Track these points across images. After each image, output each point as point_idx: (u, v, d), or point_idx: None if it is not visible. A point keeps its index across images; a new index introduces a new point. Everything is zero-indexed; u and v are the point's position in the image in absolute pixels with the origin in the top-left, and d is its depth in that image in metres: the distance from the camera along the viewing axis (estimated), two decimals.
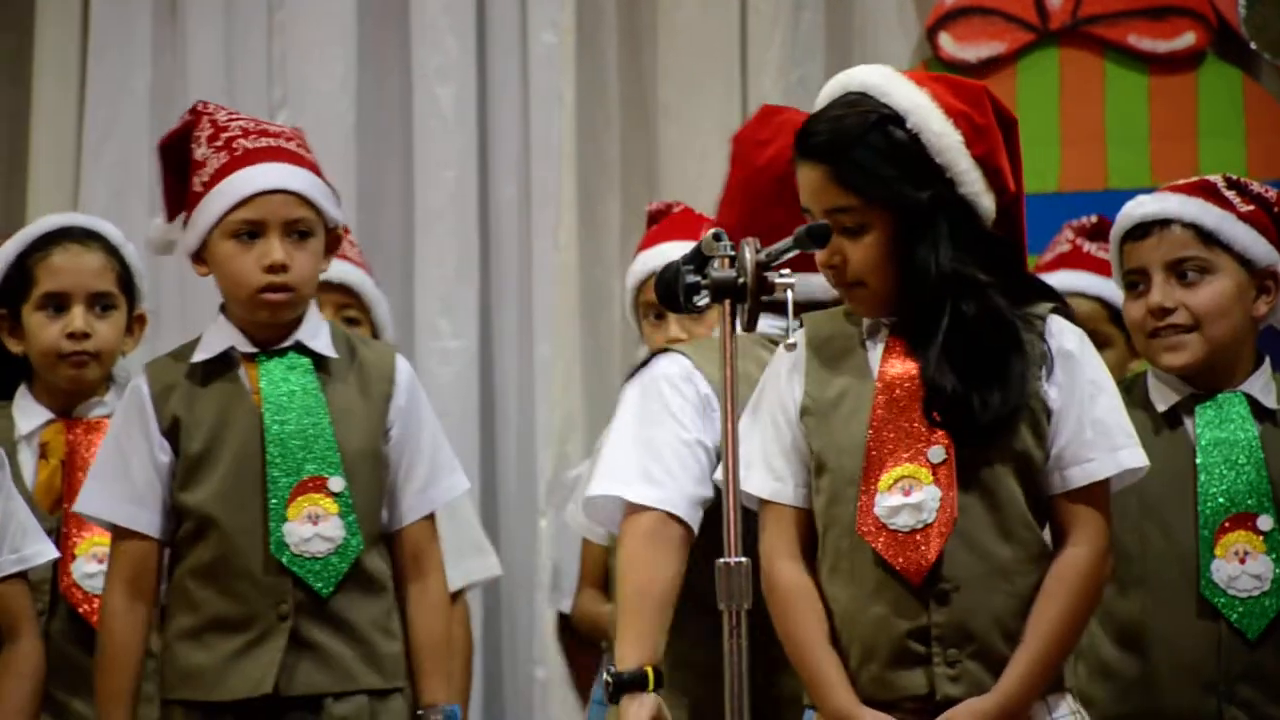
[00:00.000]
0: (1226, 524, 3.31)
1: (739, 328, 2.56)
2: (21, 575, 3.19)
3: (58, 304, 3.57)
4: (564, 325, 5.06)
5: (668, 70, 5.25)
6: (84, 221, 3.84)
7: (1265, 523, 3.26)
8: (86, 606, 3.58)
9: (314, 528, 3.40)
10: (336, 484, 3.38)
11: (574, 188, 5.14)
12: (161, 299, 5.05)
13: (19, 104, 5.46)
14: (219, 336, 3.37)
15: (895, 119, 2.77)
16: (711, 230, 2.64)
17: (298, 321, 3.43)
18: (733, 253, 2.54)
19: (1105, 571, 2.97)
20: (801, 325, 2.92)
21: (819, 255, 2.83)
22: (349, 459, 3.39)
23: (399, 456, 3.49)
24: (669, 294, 2.58)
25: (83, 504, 3.45)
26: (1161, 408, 3.26)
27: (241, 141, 3.40)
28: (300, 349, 3.37)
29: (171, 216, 3.36)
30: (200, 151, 3.34)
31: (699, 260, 2.56)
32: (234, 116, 3.35)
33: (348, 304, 4.28)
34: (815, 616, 2.87)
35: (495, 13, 5.21)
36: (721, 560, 2.47)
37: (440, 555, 3.62)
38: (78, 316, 3.54)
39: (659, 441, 2.95)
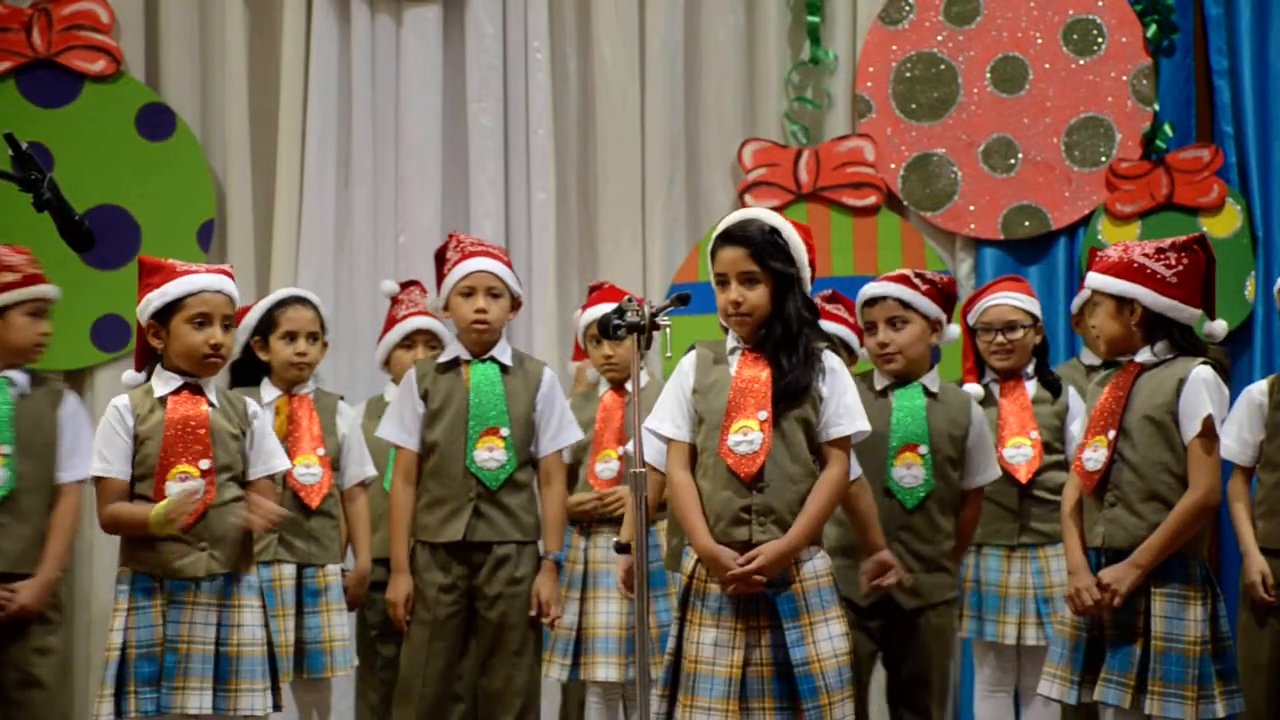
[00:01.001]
0: (903, 449, 4.72)
1: (642, 346, 3.84)
2: (270, 476, 4.45)
3: (291, 336, 5.16)
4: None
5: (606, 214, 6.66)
6: (300, 292, 5.41)
7: (922, 449, 4.71)
8: (305, 493, 5.08)
9: (490, 454, 4.99)
10: (504, 431, 4.98)
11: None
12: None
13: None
14: (453, 349, 5.06)
15: (776, 232, 4.05)
16: (627, 297, 3.98)
17: (494, 343, 5.03)
18: (638, 309, 3.84)
19: (847, 480, 4.24)
20: (694, 348, 4.20)
21: (728, 296, 4.08)
22: (513, 418, 4.98)
23: (540, 419, 5.06)
24: (604, 329, 3.90)
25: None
26: (879, 388, 4.71)
27: (466, 246, 5.15)
28: (493, 359, 5.02)
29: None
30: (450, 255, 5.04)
31: (620, 313, 3.83)
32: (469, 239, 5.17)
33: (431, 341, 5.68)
34: (693, 498, 4.13)
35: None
36: (633, 470, 3.88)
37: (563, 472, 5.22)
38: (301, 344, 5.14)
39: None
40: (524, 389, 5.08)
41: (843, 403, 4.21)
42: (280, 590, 5.12)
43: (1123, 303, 4.41)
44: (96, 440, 4.29)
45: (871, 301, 4.88)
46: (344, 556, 5.35)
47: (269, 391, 5.17)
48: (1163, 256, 4.38)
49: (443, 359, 5.09)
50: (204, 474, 4.20)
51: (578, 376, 5.99)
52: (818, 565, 4.15)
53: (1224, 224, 6.49)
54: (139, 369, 4.40)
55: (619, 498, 5.40)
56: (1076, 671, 4.33)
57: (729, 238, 4.08)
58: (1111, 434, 4.33)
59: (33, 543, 4.80)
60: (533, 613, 5.06)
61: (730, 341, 4.21)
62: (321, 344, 5.35)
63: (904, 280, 4.78)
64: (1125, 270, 4.42)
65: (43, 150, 6.08)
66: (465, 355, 5.05)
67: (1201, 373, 4.33)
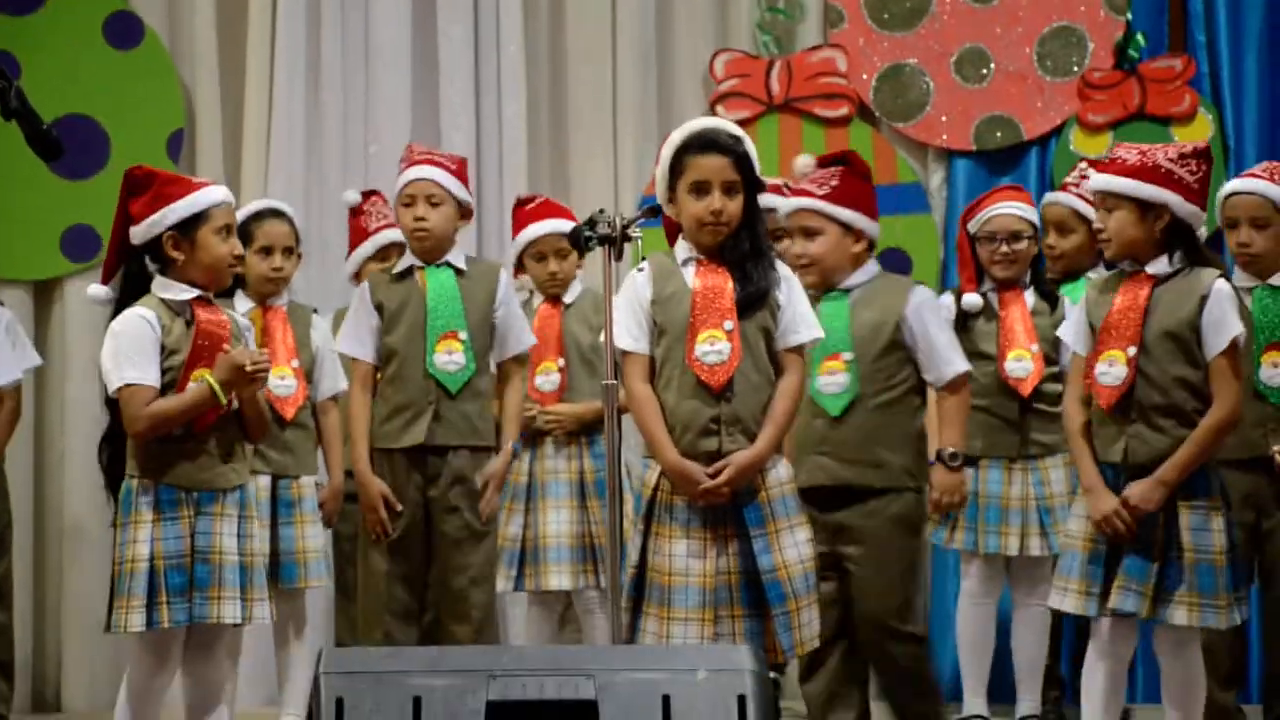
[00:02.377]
0: (826, 359, 4.68)
1: (615, 258, 3.92)
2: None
3: (267, 251, 5.18)
4: None
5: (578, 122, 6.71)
6: (275, 204, 5.43)
7: (846, 355, 4.68)
8: (280, 404, 5.11)
9: (449, 357, 5.08)
10: (462, 334, 5.06)
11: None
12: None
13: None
14: (407, 258, 5.10)
15: (744, 141, 4.10)
16: (599, 209, 4.08)
17: (441, 250, 5.07)
18: (609, 220, 3.91)
19: (806, 387, 4.37)
20: (645, 259, 4.23)
21: (707, 205, 4.07)
22: (470, 322, 5.05)
23: (501, 324, 5.13)
24: (575, 241, 4.00)
25: (339, 346, 5.17)
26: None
27: (414, 155, 5.23)
28: (447, 264, 5.08)
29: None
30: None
31: (591, 224, 3.91)
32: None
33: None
34: (656, 411, 4.18)
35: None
36: (604, 381, 4.01)
37: (522, 372, 5.32)
38: (276, 259, 5.17)
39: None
40: (481, 292, 5.14)
41: (798, 311, 4.27)
42: (257, 501, 5.12)
43: (1147, 208, 4.37)
44: (123, 350, 4.23)
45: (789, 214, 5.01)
46: (318, 469, 5.43)
47: (243, 303, 5.18)
48: (1185, 162, 4.37)
49: (398, 268, 5.16)
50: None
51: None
52: (781, 473, 4.22)
53: (1195, 133, 6.45)
54: (105, 282, 4.37)
55: (558, 418, 5.47)
56: (1096, 584, 4.34)
57: (714, 145, 4.10)
58: (1132, 350, 4.32)
59: None
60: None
61: (683, 252, 4.23)
62: (296, 256, 5.37)
63: (803, 193, 4.83)
64: (1153, 174, 4.38)
65: (9, 58, 6.09)
66: (418, 263, 5.12)
67: (1224, 288, 4.34)
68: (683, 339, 4.19)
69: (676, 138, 4.21)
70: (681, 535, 4.17)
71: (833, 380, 4.75)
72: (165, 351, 4.25)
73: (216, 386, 4.19)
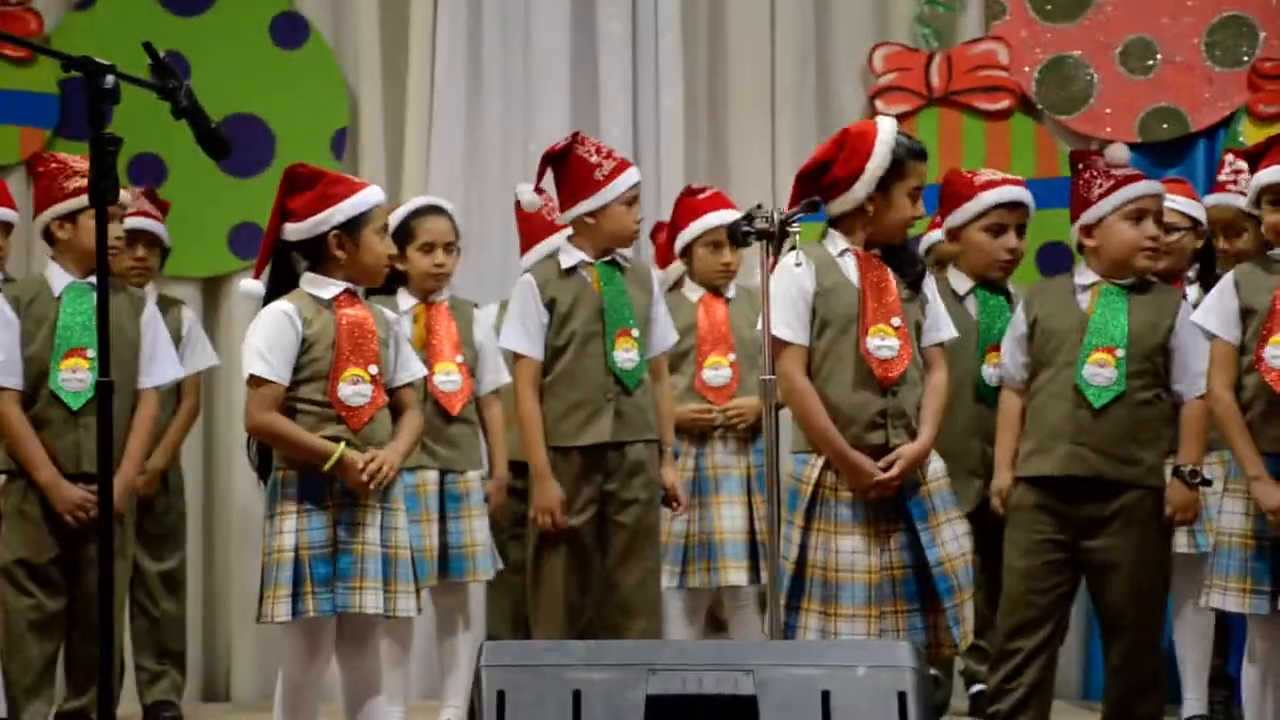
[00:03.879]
0: (1097, 350, 4.52)
1: (772, 253, 3.94)
2: (410, 383, 4.49)
3: (429, 247, 5.17)
4: None
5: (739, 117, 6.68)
6: (437, 201, 5.44)
7: (1119, 351, 4.52)
8: (446, 399, 5.17)
9: (627, 354, 4.96)
10: (634, 331, 4.97)
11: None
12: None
13: None
14: (572, 254, 4.96)
15: None
16: (756, 204, 4.10)
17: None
18: (767, 215, 3.94)
19: (950, 383, 4.45)
20: (796, 250, 4.03)
21: (918, 209, 4.24)
22: (638, 318, 4.97)
23: (656, 318, 5.06)
24: (734, 236, 4.11)
25: (505, 341, 5.05)
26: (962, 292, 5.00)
27: (615, 156, 5.06)
28: (614, 261, 4.98)
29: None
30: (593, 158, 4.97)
31: (748, 219, 3.92)
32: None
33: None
34: (818, 403, 4.22)
35: None
36: (762, 376, 3.99)
37: (666, 368, 5.23)
38: (439, 255, 5.16)
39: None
40: (640, 289, 5.13)
41: (939, 308, 4.41)
42: (424, 495, 5.20)
43: None
44: (258, 341, 4.28)
45: (1013, 206, 5.07)
46: (482, 463, 5.48)
47: (405, 300, 5.24)
48: None
49: (566, 264, 5.07)
50: (373, 379, 4.29)
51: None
52: (938, 467, 4.29)
53: None
54: (258, 276, 4.44)
55: (740, 411, 5.46)
56: (1265, 581, 4.30)
57: (921, 151, 4.29)
58: None
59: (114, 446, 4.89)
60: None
61: (840, 243, 4.28)
62: (456, 253, 5.41)
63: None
64: None
65: (178, 58, 6.10)
66: (587, 258, 5.04)
67: None
68: (847, 331, 4.23)
69: (902, 140, 4.27)
70: (848, 531, 4.21)
71: (1100, 372, 4.70)
72: (307, 344, 4.29)
73: (334, 463, 4.24)
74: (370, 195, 4.33)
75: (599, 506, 5.03)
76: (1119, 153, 5.17)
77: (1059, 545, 4.66)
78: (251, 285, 4.51)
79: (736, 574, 5.40)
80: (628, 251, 5.20)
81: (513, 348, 5.07)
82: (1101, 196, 4.85)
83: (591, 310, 5.00)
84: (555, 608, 5.06)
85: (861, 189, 4.23)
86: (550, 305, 5.01)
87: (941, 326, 4.43)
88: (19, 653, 4.94)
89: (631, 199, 5.08)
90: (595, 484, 5.01)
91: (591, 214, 5.00)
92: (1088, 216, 4.85)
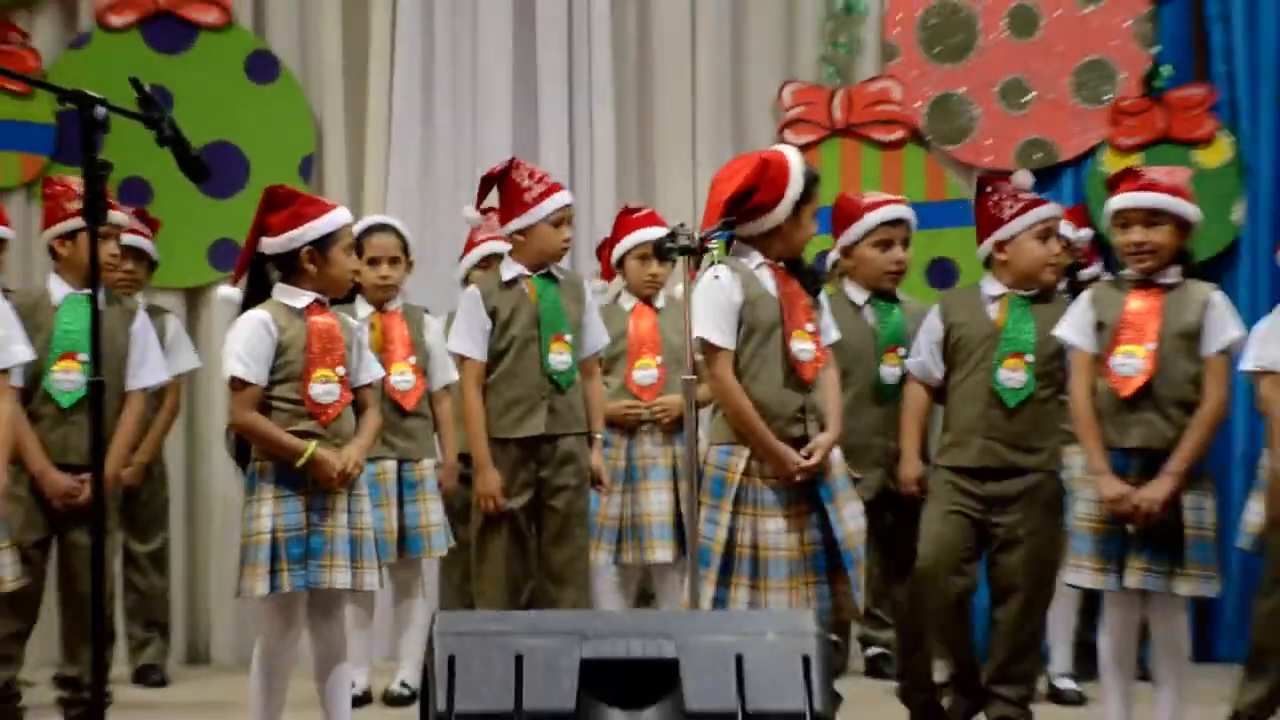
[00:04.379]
0: (1009, 356, 4.55)
1: (692, 266, 3.99)
2: (370, 384, 4.44)
3: (375, 261, 5.23)
4: None
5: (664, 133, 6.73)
6: (384, 219, 5.51)
7: (1029, 357, 4.56)
8: (401, 397, 5.25)
9: (560, 357, 5.03)
10: (568, 337, 5.03)
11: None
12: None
13: None
14: (513, 267, 5.00)
15: None
16: (679, 223, 4.12)
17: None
18: (689, 233, 3.97)
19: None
20: (717, 264, 4.24)
21: (814, 229, 4.29)
22: (571, 325, 5.02)
23: (586, 326, 5.07)
24: (659, 251, 4.31)
25: (453, 345, 5.10)
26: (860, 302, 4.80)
27: (546, 180, 5.07)
28: (549, 274, 5.02)
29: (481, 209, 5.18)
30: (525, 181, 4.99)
31: (672, 236, 3.94)
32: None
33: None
34: (747, 400, 4.24)
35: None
36: (683, 376, 4.03)
37: (599, 371, 5.28)
38: (384, 268, 5.26)
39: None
40: (573, 299, 5.23)
41: (827, 315, 4.49)
42: (385, 483, 5.32)
43: (1184, 225, 4.45)
44: (238, 347, 4.34)
45: (896, 223, 5.01)
46: (435, 452, 5.49)
47: (363, 309, 5.33)
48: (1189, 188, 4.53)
49: (506, 276, 5.18)
50: (340, 379, 4.34)
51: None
52: (836, 455, 4.38)
53: (1214, 156, 6.59)
54: (235, 284, 4.51)
55: (666, 408, 5.54)
56: (1113, 561, 4.41)
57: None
58: (1151, 346, 4.39)
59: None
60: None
61: (757, 258, 4.34)
62: (405, 265, 5.49)
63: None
64: (1188, 195, 4.48)
65: (163, 92, 6.19)
66: (525, 272, 5.14)
67: (1223, 298, 4.46)
68: (772, 336, 4.33)
69: (807, 169, 4.36)
70: (773, 514, 4.28)
71: (1013, 376, 4.80)
72: (281, 349, 4.35)
73: (306, 459, 4.29)
74: (339, 216, 4.40)
75: (535, 491, 5.12)
76: (1024, 179, 5.29)
77: (970, 519, 4.72)
78: (229, 292, 4.62)
79: (663, 552, 5.49)
80: (564, 264, 5.24)
81: (459, 351, 5.16)
82: (1014, 217, 4.91)
83: (529, 318, 5.09)
84: (498, 581, 5.16)
85: (782, 212, 4.32)
86: (493, 314, 5.09)
87: (830, 331, 4.51)
88: None
89: (559, 219, 5.14)
90: (531, 471, 5.10)
91: (522, 231, 5.10)
92: (1001, 234, 4.89)
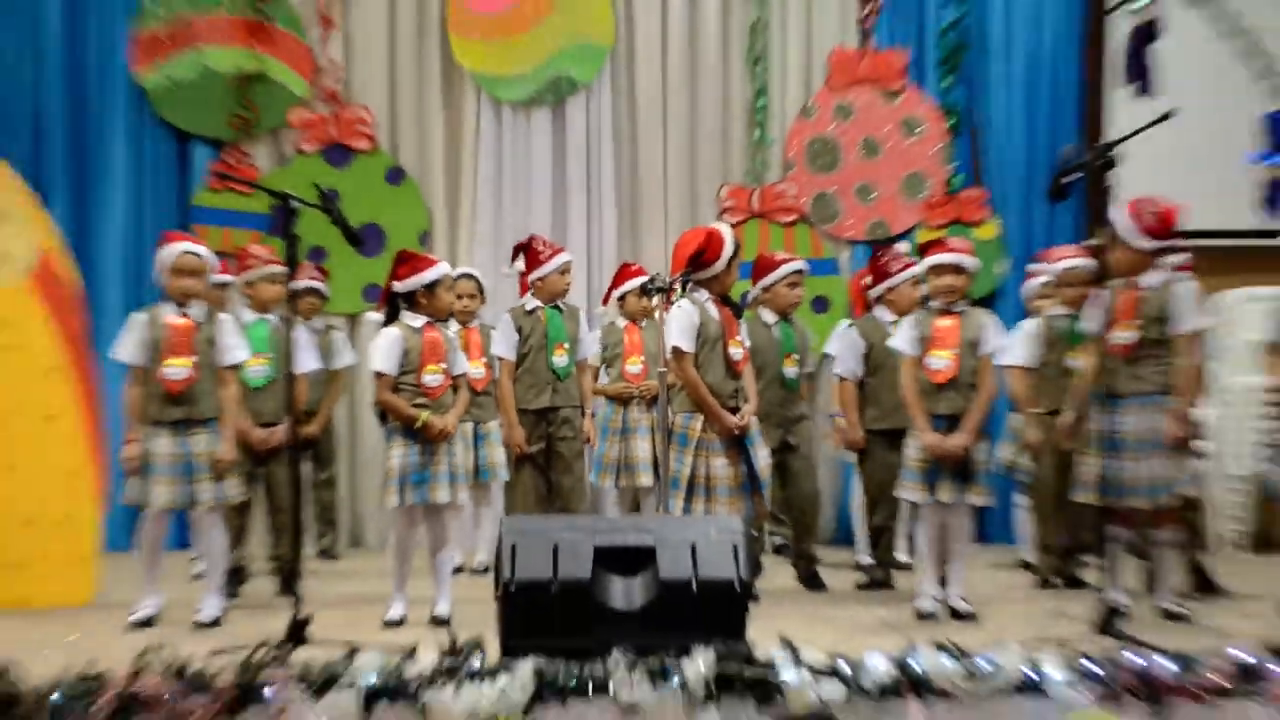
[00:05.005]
0: (786, 356, 4.95)
1: (664, 302, 4.43)
2: (463, 374, 4.62)
3: (460, 296, 5.49)
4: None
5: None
6: (468, 270, 5.85)
7: (795, 356, 4.93)
8: (474, 382, 5.46)
9: (560, 358, 5.50)
10: (566, 345, 5.48)
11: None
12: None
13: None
14: (532, 302, 5.42)
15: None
16: (655, 273, 4.57)
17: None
18: (662, 279, 4.42)
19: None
20: (684, 299, 4.59)
21: (735, 276, 4.42)
22: (569, 338, 5.46)
23: (582, 338, 5.47)
24: (644, 290, 4.64)
25: (494, 350, 5.44)
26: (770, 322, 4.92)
27: (553, 246, 5.38)
28: (556, 306, 5.46)
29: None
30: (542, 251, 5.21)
31: (652, 281, 4.47)
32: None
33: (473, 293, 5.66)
34: (702, 384, 4.63)
35: None
36: (660, 370, 4.34)
37: (588, 370, 5.55)
38: (464, 300, 5.53)
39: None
40: (571, 322, 5.59)
41: (745, 331, 4.79)
42: (465, 436, 5.69)
43: (969, 275, 4.80)
44: (379, 351, 4.65)
45: (799, 271, 5.27)
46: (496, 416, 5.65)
47: (454, 326, 5.63)
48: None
49: (528, 308, 5.57)
50: (443, 371, 4.69)
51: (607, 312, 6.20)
52: (754, 419, 4.78)
53: (987, 232, 7.47)
54: (380, 311, 4.80)
55: (648, 388, 5.95)
56: (925, 484, 4.77)
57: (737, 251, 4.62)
58: (953, 351, 4.77)
59: (280, 410, 5.29)
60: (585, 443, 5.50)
61: (704, 295, 4.74)
62: (480, 299, 5.94)
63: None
64: (972, 255, 4.79)
65: (334, 192, 6.82)
66: (540, 305, 5.53)
67: (993, 319, 4.80)
68: (716, 345, 4.67)
69: (734, 240, 4.67)
70: (719, 456, 4.65)
71: (793, 369, 5.24)
72: (406, 353, 4.63)
73: (420, 424, 4.57)
74: (441, 269, 4.69)
75: (546, 442, 5.56)
76: (903, 247, 5.84)
77: (891, 461, 5.03)
78: (375, 316, 5.33)
79: (646, 478, 5.89)
80: (565, 300, 5.60)
81: (499, 354, 5.61)
82: (898, 272, 5.42)
83: (541, 334, 5.53)
84: (526, 496, 5.59)
85: (719, 266, 4.70)
86: (519, 331, 5.56)
87: (747, 340, 4.80)
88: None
89: (563, 270, 5.50)
90: (543, 429, 5.57)
91: (539, 279, 5.50)
92: (891, 283, 5.34)
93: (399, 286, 4.67)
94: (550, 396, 5.51)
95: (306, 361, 5.38)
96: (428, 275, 4.67)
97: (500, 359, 5.54)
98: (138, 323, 4.66)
